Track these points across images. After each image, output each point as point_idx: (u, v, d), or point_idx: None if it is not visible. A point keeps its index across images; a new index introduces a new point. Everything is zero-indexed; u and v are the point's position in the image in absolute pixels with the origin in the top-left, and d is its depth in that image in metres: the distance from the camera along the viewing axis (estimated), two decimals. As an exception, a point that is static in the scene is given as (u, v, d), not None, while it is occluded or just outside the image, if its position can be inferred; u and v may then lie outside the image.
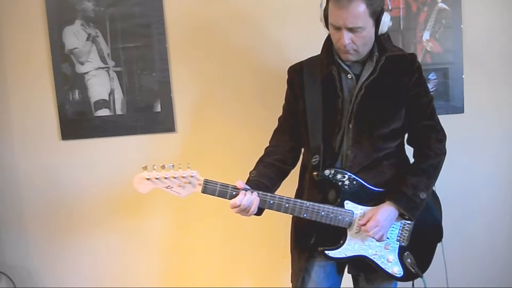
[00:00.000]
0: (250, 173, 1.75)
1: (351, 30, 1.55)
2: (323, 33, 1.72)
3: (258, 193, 1.61)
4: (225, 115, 2.38)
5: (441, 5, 2.28)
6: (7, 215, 2.47)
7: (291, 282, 1.81)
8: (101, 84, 2.37)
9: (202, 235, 2.43)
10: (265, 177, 1.72)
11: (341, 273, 1.82)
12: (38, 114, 2.40)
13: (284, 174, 1.79)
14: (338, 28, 1.56)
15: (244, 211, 1.60)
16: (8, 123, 2.42)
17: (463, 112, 2.33)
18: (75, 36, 2.34)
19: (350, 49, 1.59)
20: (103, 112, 2.38)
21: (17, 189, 2.45)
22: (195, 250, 2.47)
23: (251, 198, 1.58)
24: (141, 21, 2.32)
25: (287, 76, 1.80)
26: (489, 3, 2.29)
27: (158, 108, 2.38)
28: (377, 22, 1.58)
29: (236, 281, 2.48)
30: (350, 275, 1.85)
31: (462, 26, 2.28)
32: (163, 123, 2.39)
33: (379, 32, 1.61)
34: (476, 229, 2.41)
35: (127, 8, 2.31)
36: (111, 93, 2.37)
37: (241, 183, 1.62)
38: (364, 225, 1.64)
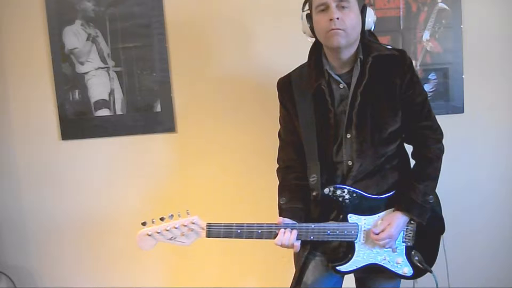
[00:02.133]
0: (279, 200, 1.72)
1: (339, 4, 1.55)
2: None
3: (263, 226, 1.61)
4: (225, 115, 2.38)
5: (441, 5, 2.28)
6: (7, 215, 2.47)
7: (293, 280, 1.81)
8: (101, 84, 2.37)
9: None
10: (296, 200, 1.70)
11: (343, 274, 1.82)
12: (38, 114, 2.40)
13: (307, 192, 1.72)
14: (326, 8, 1.57)
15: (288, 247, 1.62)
16: (8, 123, 2.42)
17: (463, 112, 2.33)
18: (75, 36, 2.34)
19: (339, 26, 1.56)
20: (103, 112, 2.38)
21: (17, 189, 2.45)
22: (195, 250, 2.46)
23: (289, 237, 1.59)
24: (141, 21, 2.32)
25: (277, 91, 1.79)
26: (489, 3, 2.29)
27: (158, 108, 2.38)
28: (363, 13, 1.60)
29: (236, 281, 2.48)
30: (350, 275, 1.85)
31: (462, 26, 2.28)
32: (163, 123, 2.38)
33: (365, 26, 1.62)
34: (476, 227, 2.41)
35: (127, 8, 2.31)
36: (111, 93, 2.37)
37: (281, 220, 1.62)
38: (377, 234, 1.64)
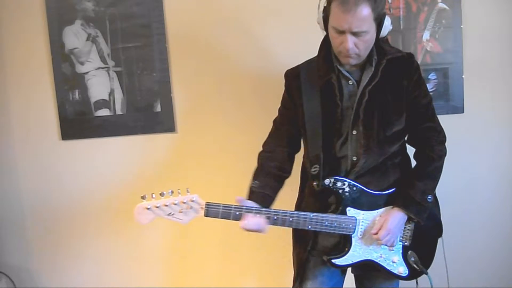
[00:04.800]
0: (252, 183, 1.72)
1: (355, 34, 1.53)
2: (322, 34, 1.71)
3: (261, 211, 1.60)
4: (225, 115, 2.38)
5: (441, 5, 2.28)
6: (7, 215, 2.47)
7: (294, 280, 1.81)
8: (101, 84, 2.37)
9: (201, 235, 2.43)
10: (268, 187, 1.70)
11: (344, 273, 1.83)
12: (38, 114, 2.40)
13: (283, 183, 1.75)
14: (342, 32, 1.54)
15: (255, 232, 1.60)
16: (8, 123, 2.42)
17: (463, 112, 2.33)
18: (75, 36, 2.34)
19: (352, 53, 1.56)
20: (103, 112, 2.38)
21: (17, 189, 2.45)
22: (195, 250, 2.47)
23: (257, 221, 1.58)
24: (141, 21, 2.32)
25: (284, 80, 1.78)
26: (489, 3, 2.29)
27: (158, 108, 2.38)
28: (379, 26, 1.57)
29: (236, 281, 2.49)
30: (351, 274, 1.85)
31: (462, 26, 2.29)
32: (163, 123, 2.39)
33: (380, 36, 1.60)
34: (476, 228, 2.41)
35: (127, 8, 2.31)
36: (111, 93, 2.37)
37: (240, 199, 1.61)
38: (376, 233, 1.64)
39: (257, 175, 1.74)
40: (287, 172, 1.76)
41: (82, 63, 2.36)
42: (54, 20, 2.33)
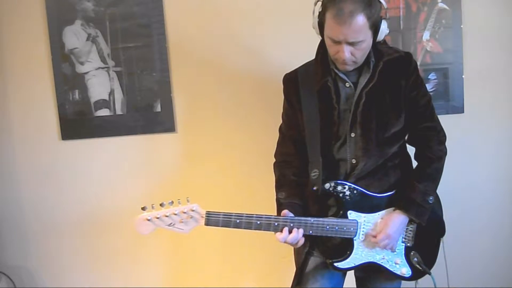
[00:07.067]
0: (278, 195, 1.72)
1: (351, 44, 1.52)
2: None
3: (261, 217, 1.60)
4: (225, 115, 2.38)
5: (441, 5, 2.28)
6: (7, 215, 2.47)
7: (293, 281, 1.80)
8: (101, 84, 2.37)
9: (202, 236, 2.43)
10: (295, 196, 1.70)
11: (344, 274, 1.82)
12: (38, 114, 2.40)
13: (306, 188, 1.72)
14: (337, 42, 1.53)
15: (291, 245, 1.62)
16: (8, 123, 2.42)
17: (463, 112, 2.33)
18: (75, 36, 2.34)
19: (349, 61, 1.56)
20: (103, 112, 2.38)
21: (17, 189, 2.45)
22: (195, 250, 2.47)
23: (296, 237, 1.59)
24: (141, 21, 2.32)
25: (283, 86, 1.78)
26: (489, 3, 2.29)
27: (158, 108, 2.38)
28: (376, 32, 1.56)
29: (236, 281, 2.48)
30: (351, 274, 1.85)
31: (462, 26, 2.29)
32: (163, 123, 2.39)
33: (377, 40, 1.59)
34: (476, 228, 2.41)
35: (127, 8, 2.31)
36: (111, 93, 2.37)
37: (286, 212, 1.62)
38: (375, 237, 1.64)
39: (280, 186, 1.75)
40: (305, 177, 1.72)
41: (82, 63, 2.36)
42: (54, 20, 2.33)
